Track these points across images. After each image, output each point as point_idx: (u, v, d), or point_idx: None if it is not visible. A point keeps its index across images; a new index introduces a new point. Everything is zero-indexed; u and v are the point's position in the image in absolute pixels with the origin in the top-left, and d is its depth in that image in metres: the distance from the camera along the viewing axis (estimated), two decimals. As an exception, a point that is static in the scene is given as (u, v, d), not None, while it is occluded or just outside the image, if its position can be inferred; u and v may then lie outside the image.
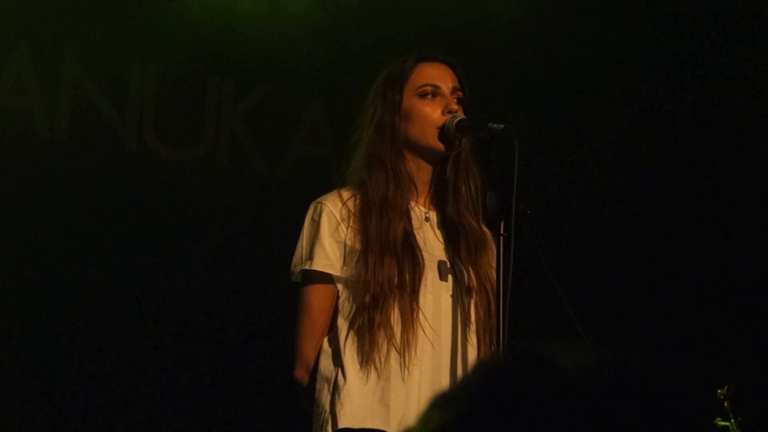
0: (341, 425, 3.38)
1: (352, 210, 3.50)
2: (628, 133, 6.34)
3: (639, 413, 1.08)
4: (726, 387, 4.38)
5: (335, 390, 3.41)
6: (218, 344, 5.75)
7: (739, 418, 4.37)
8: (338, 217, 3.49)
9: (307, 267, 3.48)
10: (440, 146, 3.51)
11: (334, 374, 3.43)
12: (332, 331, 3.49)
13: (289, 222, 3.82)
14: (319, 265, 3.48)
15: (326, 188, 3.62)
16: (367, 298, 3.40)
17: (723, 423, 4.36)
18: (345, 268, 3.47)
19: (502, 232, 3.38)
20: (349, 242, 3.47)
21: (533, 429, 1.06)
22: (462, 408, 1.10)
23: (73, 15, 5.53)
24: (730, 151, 6.39)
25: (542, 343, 1.17)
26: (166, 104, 5.77)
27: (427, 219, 3.58)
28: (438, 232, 3.58)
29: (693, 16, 6.35)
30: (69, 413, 5.50)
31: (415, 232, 3.52)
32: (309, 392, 3.48)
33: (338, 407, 3.38)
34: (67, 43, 5.56)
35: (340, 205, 3.51)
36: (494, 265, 3.44)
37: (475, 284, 3.52)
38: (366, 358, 3.40)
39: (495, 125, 3.42)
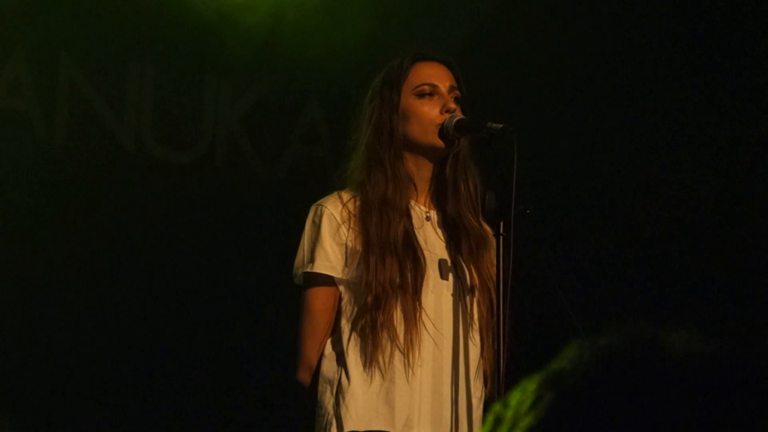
0: (347, 428, 3.38)
1: (353, 211, 3.50)
2: (627, 131, 6.34)
3: (731, 402, 1.12)
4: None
5: (339, 392, 3.41)
6: (218, 346, 5.74)
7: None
8: (339, 219, 3.49)
9: (308, 269, 3.49)
10: (439, 145, 3.51)
11: (337, 376, 3.43)
12: (335, 333, 3.49)
13: (287, 223, 3.82)
14: (321, 267, 3.48)
15: (324, 189, 3.62)
16: (370, 299, 3.40)
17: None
18: (346, 269, 3.47)
19: (501, 231, 3.39)
20: (350, 244, 3.48)
21: (643, 402, 1.09)
22: (575, 385, 1.13)
23: (70, 17, 5.53)
24: (730, 149, 6.39)
25: (647, 326, 1.20)
26: (164, 106, 5.77)
27: (427, 218, 3.58)
28: (439, 231, 3.58)
29: (693, 11, 6.35)
30: (68, 413, 5.50)
31: (416, 231, 3.53)
32: (312, 394, 3.48)
33: (343, 410, 3.38)
34: (64, 44, 5.56)
35: (340, 207, 3.51)
36: (495, 263, 3.44)
37: (476, 283, 3.53)
38: (369, 359, 3.40)
39: (494, 124, 3.43)
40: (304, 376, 3.50)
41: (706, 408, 1.11)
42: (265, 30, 5.80)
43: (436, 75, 3.59)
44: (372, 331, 3.39)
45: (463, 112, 3.57)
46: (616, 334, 1.19)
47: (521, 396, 1.15)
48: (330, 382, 3.43)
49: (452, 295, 3.51)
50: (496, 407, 1.18)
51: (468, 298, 3.52)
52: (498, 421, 1.16)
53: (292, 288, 3.59)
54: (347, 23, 5.90)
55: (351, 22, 5.90)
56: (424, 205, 3.60)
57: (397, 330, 3.41)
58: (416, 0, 6.04)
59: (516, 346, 3.34)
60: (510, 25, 6.12)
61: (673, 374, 1.13)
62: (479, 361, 3.51)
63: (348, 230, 3.48)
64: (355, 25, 5.91)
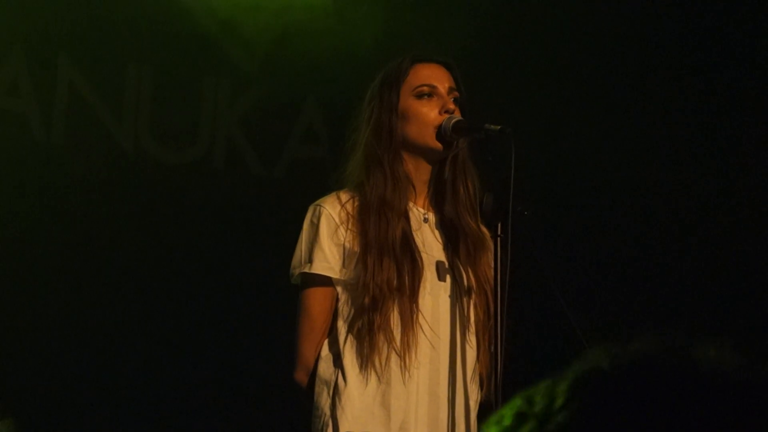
0: (342, 429, 3.37)
1: (351, 212, 3.50)
2: (626, 132, 6.33)
3: (759, 418, 1.11)
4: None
5: (335, 393, 3.40)
6: (216, 347, 5.74)
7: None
8: (337, 220, 3.49)
9: (306, 270, 3.48)
10: (438, 146, 3.51)
11: (333, 377, 3.43)
12: (332, 334, 3.48)
13: (285, 224, 3.82)
14: (319, 268, 3.47)
15: (322, 190, 3.62)
16: (367, 301, 3.40)
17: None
18: (344, 270, 3.47)
19: (499, 233, 3.39)
20: (348, 245, 3.47)
21: (663, 416, 1.09)
22: (594, 394, 1.13)
23: (68, 17, 5.53)
24: (731, 149, 6.38)
25: (677, 337, 1.20)
26: (162, 106, 5.77)
27: (425, 220, 3.58)
28: (437, 233, 3.57)
29: (693, 10, 6.35)
30: (66, 413, 5.49)
31: (414, 233, 3.52)
32: (308, 395, 3.47)
33: (339, 411, 3.38)
34: (63, 45, 5.55)
35: (338, 207, 3.50)
36: (493, 265, 3.44)
37: (474, 285, 3.52)
38: (366, 361, 3.39)
39: (492, 126, 3.43)
40: (301, 377, 3.50)
41: (733, 420, 1.11)
42: (263, 31, 5.80)
43: (435, 76, 3.59)
44: (369, 333, 3.39)
45: (462, 113, 3.57)
46: (649, 340, 1.19)
47: (548, 394, 1.15)
48: (326, 384, 3.43)
49: (449, 297, 3.50)
50: (518, 402, 1.17)
51: (465, 300, 3.52)
52: (522, 417, 1.15)
53: (291, 289, 3.59)
54: (348, 25, 5.90)
55: (352, 24, 5.90)
56: (423, 207, 3.59)
57: (394, 332, 3.40)
58: (415, 1, 6.04)
59: (513, 348, 3.34)
60: (509, 27, 6.12)
61: (703, 385, 1.13)
62: (476, 363, 3.51)
63: (346, 231, 3.48)
64: (357, 27, 5.91)
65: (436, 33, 5.83)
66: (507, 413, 1.16)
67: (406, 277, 3.43)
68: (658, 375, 1.13)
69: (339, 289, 3.48)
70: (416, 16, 5.96)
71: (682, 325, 6.20)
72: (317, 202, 3.55)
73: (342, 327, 3.45)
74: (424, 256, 3.49)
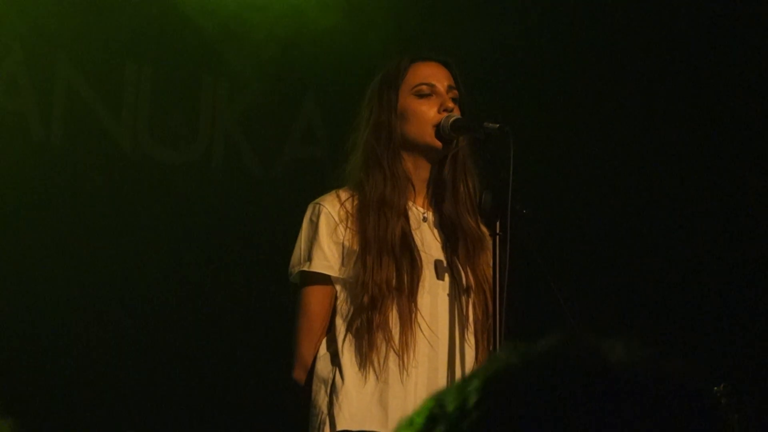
0: (339, 427, 3.37)
1: (350, 211, 3.50)
2: (623, 131, 6.34)
3: (669, 414, 1.11)
4: (722, 385, 4.38)
5: (333, 391, 3.40)
6: (214, 345, 5.74)
7: (737, 416, 4.37)
8: (336, 218, 3.49)
9: (305, 268, 3.48)
10: (437, 145, 3.51)
11: (331, 376, 3.42)
12: (330, 332, 3.48)
13: (284, 223, 3.82)
14: (318, 266, 3.47)
15: (321, 189, 3.61)
16: (366, 299, 3.39)
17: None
18: (343, 269, 3.46)
19: (498, 231, 3.38)
20: (347, 243, 3.47)
21: (568, 418, 1.09)
22: (498, 391, 1.12)
23: (67, 16, 5.52)
24: (731, 151, 6.39)
25: (587, 333, 1.20)
26: (161, 105, 5.77)
27: (424, 219, 3.58)
28: (436, 232, 3.57)
29: (687, 15, 6.35)
30: (64, 413, 5.49)
31: (413, 232, 3.52)
32: (306, 393, 3.47)
33: (336, 409, 3.38)
34: (61, 44, 5.55)
35: (338, 206, 3.50)
36: (492, 264, 3.44)
37: (472, 284, 3.52)
38: (364, 359, 3.39)
39: (490, 124, 3.43)
40: (300, 375, 3.50)
41: (642, 416, 1.11)
42: (263, 31, 5.80)
43: (434, 75, 3.59)
44: (367, 332, 3.39)
45: (462, 112, 3.57)
46: (559, 337, 1.19)
47: (460, 394, 1.15)
48: (324, 382, 3.43)
49: (448, 296, 3.50)
50: (430, 404, 1.16)
51: (464, 299, 3.51)
52: (433, 419, 1.15)
53: (289, 287, 3.58)
54: (347, 25, 5.90)
55: (346, 23, 5.90)
56: (422, 206, 3.59)
57: (393, 331, 3.40)
58: (411, 1, 6.04)
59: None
60: (510, 26, 6.12)
61: (612, 381, 1.13)
62: (474, 363, 3.50)
63: (345, 229, 3.48)
64: (352, 25, 5.91)
65: (442, 36, 5.84)
66: (418, 415, 1.16)
67: (405, 276, 3.42)
68: (568, 371, 1.13)
69: (338, 287, 3.48)
70: (423, 19, 5.97)
71: (681, 325, 6.21)
72: (317, 200, 3.55)
73: (341, 325, 3.45)
74: (423, 255, 3.49)
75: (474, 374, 1.16)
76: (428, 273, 3.49)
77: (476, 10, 6.07)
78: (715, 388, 4.36)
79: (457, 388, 1.15)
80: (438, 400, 1.15)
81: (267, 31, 5.80)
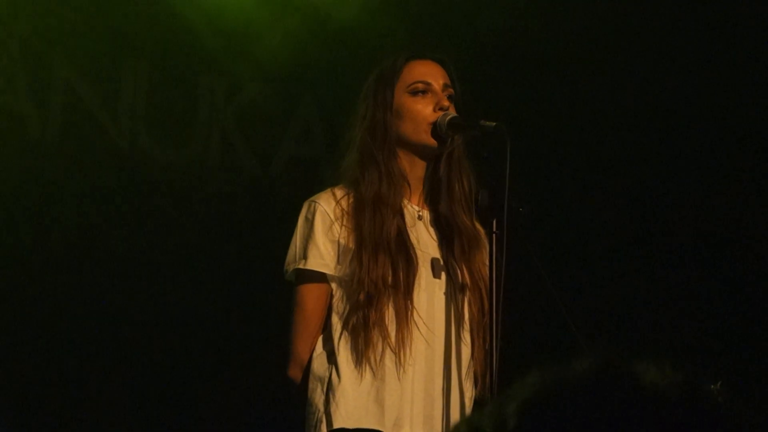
0: (336, 425, 3.37)
1: (346, 209, 3.50)
2: (621, 129, 6.33)
3: None
4: (719, 383, 4.37)
5: (329, 389, 3.40)
6: (211, 343, 5.74)
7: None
8: (332, 216, 3.48)
9: (301, 266, 3.48)
10: (432, 143, 3.51)
11: (328, 373, 3.42)
12: (326, 330, 3.48)
13: (281, 221, 3.81)
14: (314, 264, 3.47)
15: (318, 188, 3.61)
16: (362, 297, 3.39)
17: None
18: (339, 267, 3.46)
19: (494, 229, 3.38)
20: (342, 241, 3.47)
21: None
22: (536, 415, 1.13)
23: (64, 15, 5.52)
24: (730, 149, 6.38)
25: (621, 355, 1.21)
26: (158, 104, 5.76)
27: (419, 217, 3.58)
28: (431, 230, 3.57)
29: (685, 13, 6.35)
30: (61, 412, 5.49)
31: (409, 230, 3.52)
32: (302, 392, 3.46)
33: (333, 407, 3.37)
34: (58, 43, 5.55)
35: (333, 203, 3.50)
36: (488, 263, 3.44)
37: (468, 282, 3.51)
38: (361, 357, 3.39)
39: (487, 122, 3.42)
40: (295, 373, 3.49)
41: None
42: (260, 29, 5.80)
43: (429, 73, 3.58)
44: (363, 329, 3.38)
45: (458, 110, 3.57)
46: (584, 361, 1.19)
47: (497, 418, 1.15)
48: (321, 380, 3.42)
49: (444, 294, 3.50)
50: (463, 428, 1.17)
51: (460, 297, 3.51)
52: None
53: (286, 286, 3.58)
54: (345, 25, 5.90)
55: (342, 22, 5.90)
56: (417, 204, 3.59)
57: (389, 328, 3.40)
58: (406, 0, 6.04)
59: (508, 345, 3.33)
60: (507, 22, 6.12)
61: (640, 406, 1.13)
62: (470, 360, 3.50)
63: (341, 227, 3.47)
64: (349, 24, 5.90)
65: (423, 28, 5.84)
66: None
67: (401, 274, 3.42)
68: (605, 396, 1.14)
69: (333, 285, 3.47)
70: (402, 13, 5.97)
71: (679, 324, 6.20)
72: (312, 198, 3.54)
73: (337, 323, 3.44)
74: (419, 253, 3.49)
75: (508, 396, 1.16)
76: (424, 271, 3.49)
77: (466, 7, 6.06)
78: (712, 386, 4.36)
79: (492, 411, 1.15)
80: (472, 423, 1.15)
81: (264, 30, 5.79)
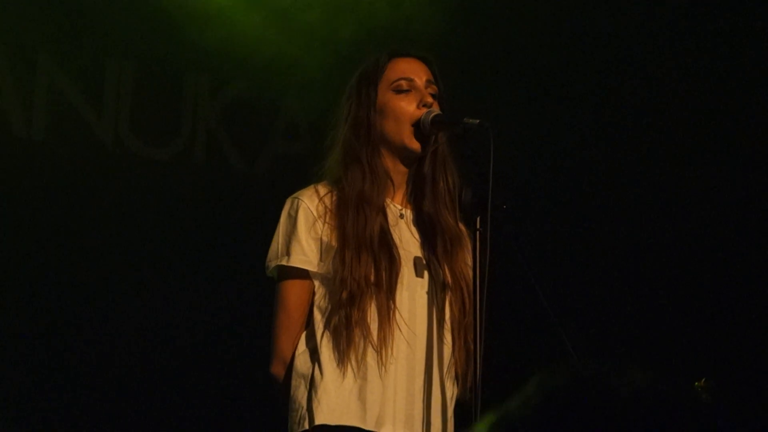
0: (318, 422, 3.37)
1: (329, 206, 3.49)
2: (604, 127, 6.34)
3: None
4: (703, 380, 4.37)
5: (312, 387, 3.40)
6: (195, 340, 5.74)
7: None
8: (315, 214, 3.48)
9: (283, 263, 3.47)
10: (415, 146, 3.51)
11: (310, 371, 3.42)
12: (309, 327, 3.48)
13: (266, 219, 3.81)
14: (296, 261, 3.47)
15: (303, 185, 3.61)
16: (344, 295, 3.39)
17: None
18: (321, 264, 3.46)
19: (478, 227, 3.38)
20: (325, 238, 3.46)
21: None
22: (520, 424, 1.14)
23: (48, 13, 5.52)
24: (720, 148, 6.39)
25: (597, 363, 1.23)
26: (143, 102, 5.76)
27: (401, 216, 3.57)
28: (413, 230, 3.57)
29: (672, 11, 6.36)
30: (58, 412, 5.49)
31: (391, 229, 3.51)
32: (285, 389, 3.46)
33: (315, 404, 3.37)
34: (42, 41, 5.54)
35: (316, 201, 3.50)
36: (470, 262, 3.44)
37: (450, 282, 3.51)
38: (343, 355, 3.39)
39: (470, 120, 3.42)
40: (278, 370, 3.49)
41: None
42: (245, 26, 5.79)
43: (412, 70, 3.58)
44: (346, 328, 3.38)
45: (441, 107, 3.57)
46: (562, 372, 1.20)
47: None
48: (304, 377, 3.42)
49: (426, 293, 3.50)
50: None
51: (441, 296, 3.51)
52: None
53: (270, 283, 3.58)
54: (329, 22, 5.90)
55: (327, 20, 5.90)
56: (399, 204, 3.59)
57: (371, 327, 3.40)
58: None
59: (491, 344, 3.32)
60: (489, 21, 6.12)
61: (618, 412, 1.15)
62: (451, 360, 3.50)
63: (324, 225, 3.47)
64: (334, 22, 5.91)
65: (411, 26, 5.84)
66: None
67: (384, 273, 3.42)
68: (587, 406, 1.15)
69: (316, 283, 3.47)
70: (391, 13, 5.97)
71: (639, 316, 6.21)
72: (295, 194, 3.54)
73: (319, 321, 3.44)
74: (401, 252, 3.49)
75: (495, 415, 1.17)
76: (407, 270, 3.48)
77: (454, 6, 6.07)
78: (696, 383, 4.36)
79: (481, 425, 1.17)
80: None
81: (249, 28, 5.79)
